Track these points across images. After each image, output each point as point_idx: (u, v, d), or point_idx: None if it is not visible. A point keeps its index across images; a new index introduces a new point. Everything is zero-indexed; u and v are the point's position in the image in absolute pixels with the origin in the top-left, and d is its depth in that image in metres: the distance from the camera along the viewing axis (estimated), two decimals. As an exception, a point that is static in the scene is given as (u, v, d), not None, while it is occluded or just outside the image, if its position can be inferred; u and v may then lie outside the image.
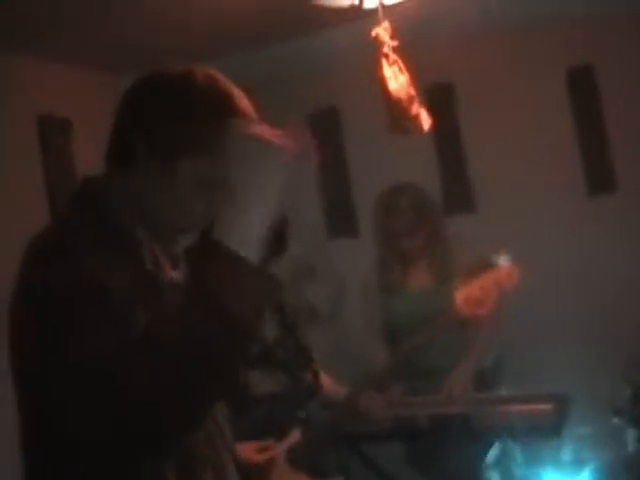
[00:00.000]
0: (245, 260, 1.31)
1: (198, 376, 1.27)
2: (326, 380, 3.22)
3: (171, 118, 1.49)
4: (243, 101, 1.55)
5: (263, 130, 1.39)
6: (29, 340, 1.38)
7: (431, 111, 3.40)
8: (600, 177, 4.95)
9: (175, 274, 1.60)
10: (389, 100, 3.25)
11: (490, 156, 5.12)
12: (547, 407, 3.12)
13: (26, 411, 1.46)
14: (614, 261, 4.79)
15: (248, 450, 2.11)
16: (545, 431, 3.18)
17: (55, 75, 4.70)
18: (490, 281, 3.02)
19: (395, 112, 3.26)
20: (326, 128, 5.51)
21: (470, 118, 5.18)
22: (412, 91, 3.29)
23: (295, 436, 2.44)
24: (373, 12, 3.38)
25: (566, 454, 4.12)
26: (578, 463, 4.10)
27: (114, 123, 1.56)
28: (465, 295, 3.00)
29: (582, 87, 4.95)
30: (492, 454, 3.41)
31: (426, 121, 3.33)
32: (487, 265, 3.08)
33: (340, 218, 5.57)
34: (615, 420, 3.51)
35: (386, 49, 3.28)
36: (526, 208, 5.02)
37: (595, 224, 4.88)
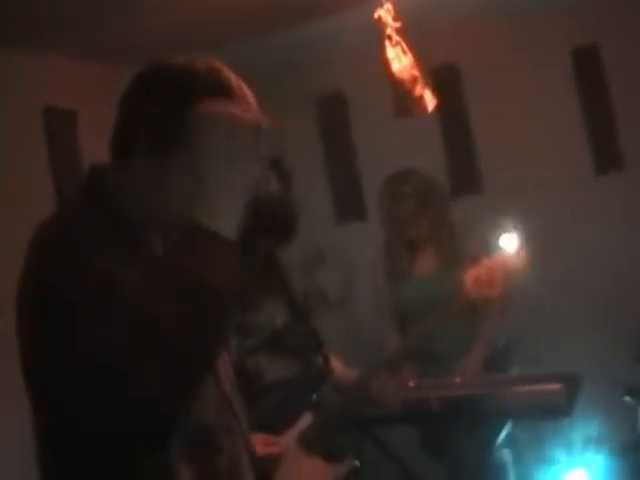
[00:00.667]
0: (216, 233, 1.33)
1: (180, 348, 1.28)
2: (337, 364, 3.23)
3: (170, 110, 1.47)
4: (244, 92, 1.54)
5: (228, 108, 1.40)
6: (37, 339, 1.37)
7: (437, 93, 3.39)
8: (607, 156, 4.93)
9: None
10: (393, 81, 3.24)
11: (496, 137, 5.10)
12: (557, 387, 3.13)
13: (38, 411, 1.45)
14: (623, 240, 4.78)
15: (256, 443, 2.12)
16: (555, 411, 3.18)
17: (59, 68, 4.70)
18: (499, 263, 3.01)
19: (399, 93, 3.25)
20: (333, 113, 5.51)
21: (476, 99, 5.17)
22: (416, 72, 3.28)
23: (307, 420, 2.45)
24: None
25: (577, 435, 4.13)
26: (589, 443, 4.11)
27: (116, 115, 1.55)
28: (474, 277, 3.00)
29: (588, 66, 4.92)
30: (503, 435, 3.42)
31: (431, 102, 3.32)
32: (496, 248, 3.07)
33: (348, 203, 5.56)
34: (627, 399, 3.52)
35: (389, 31, 3.27)
36: (533, 189, 5.00)
37: (603, 203, 4.86)
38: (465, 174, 5.20)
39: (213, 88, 1.49)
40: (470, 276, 3.01)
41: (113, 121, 1.56)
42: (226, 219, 1.36)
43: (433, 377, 3.54)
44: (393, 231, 3.88)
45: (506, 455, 3.59)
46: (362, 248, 4.35)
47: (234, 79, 1.54)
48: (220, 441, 1.56)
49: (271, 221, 1.82)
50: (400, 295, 3.85)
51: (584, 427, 4.10)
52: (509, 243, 3.05)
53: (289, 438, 2.33)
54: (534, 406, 3.16)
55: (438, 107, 3.38)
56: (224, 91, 1.49)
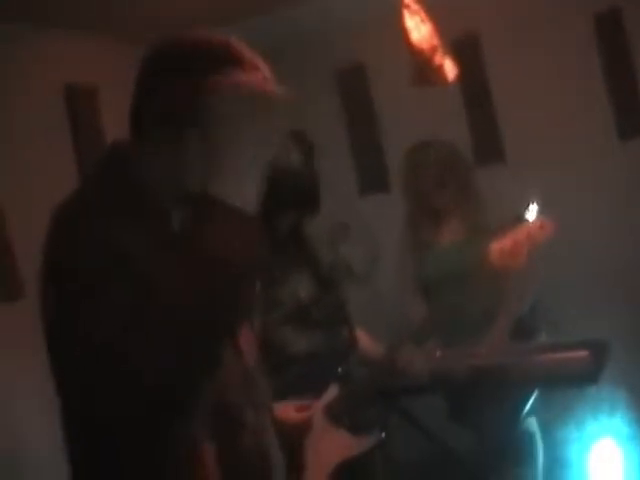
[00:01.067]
0: (231, 205, 1.31)
1: (193, 327, 1.26)
2: (363, 337, 3.23)
3: (181, 85, 1.47)
4: (258, 64, 1.53)
5: (241, 78, 1.38)
6: (53, 320, 1.38)
7: (458, 62, 3.36)
8: (631, 122, 4.88)
9: None
10: (412, 51, 3.22)
11: (519, 105, 5.06)
12: (584, 355, 3.11)
13: (61, 395, 1.45)
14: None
15: (285, 409, 2.12)
16: (582, 379, 3.17)
17: (79, 45, 4.71)
18: (523, 234, 2.99)
19: (418, 63, 3.22)
20: (355, 85, 5.49)
21: (497, 67, 5.13)
22: (435, 41, 3.25)
23: (333, 392, 2.45)
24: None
25: (604, 403, 4.12)
26: (617, 411, 4.10)
27: (133, 90, 1.55)
28: (498, 248, 2.98)
29: (610, 31, 4.86)
30: (530, 404, 3.41)
31: (451, 72, 3.29)
32: (520, 219, 3.05)
33: (371, 174, 5.55)
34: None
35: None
36: (557, 156, 4.97)
37: (627, 169, 4.82)
38: (488, 143, 5.18)
39: (226, 61, 1.48)
40: (495, 247, 3.00)
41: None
42: (243, 190, 1.34)
43: (459, 347, 3.54)
44: (416, 201, 3.86)
45: (533, 424, 3.58)
46: (385, 220, 4.34)
47: (248, 52, 1.53)
48: (244, 417, 1.56)
49: (294, 193, 1.81)
50: (424, 265, 3.84)
51: (611, 395, 4.09)
52: (533, 213, 3.03)
53: (315, 410, 2.33)
54: (561, 374, 3.15)
55: (458, 77, 3.35)
56: (237, 64, 1.49)
